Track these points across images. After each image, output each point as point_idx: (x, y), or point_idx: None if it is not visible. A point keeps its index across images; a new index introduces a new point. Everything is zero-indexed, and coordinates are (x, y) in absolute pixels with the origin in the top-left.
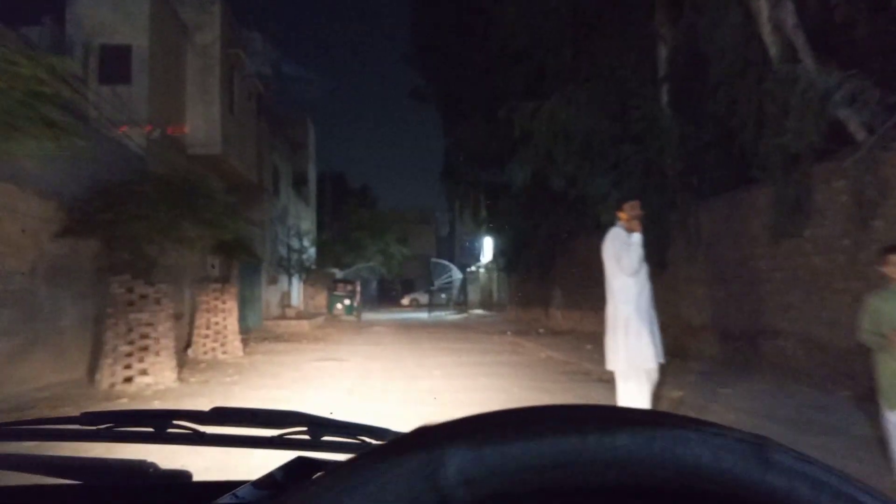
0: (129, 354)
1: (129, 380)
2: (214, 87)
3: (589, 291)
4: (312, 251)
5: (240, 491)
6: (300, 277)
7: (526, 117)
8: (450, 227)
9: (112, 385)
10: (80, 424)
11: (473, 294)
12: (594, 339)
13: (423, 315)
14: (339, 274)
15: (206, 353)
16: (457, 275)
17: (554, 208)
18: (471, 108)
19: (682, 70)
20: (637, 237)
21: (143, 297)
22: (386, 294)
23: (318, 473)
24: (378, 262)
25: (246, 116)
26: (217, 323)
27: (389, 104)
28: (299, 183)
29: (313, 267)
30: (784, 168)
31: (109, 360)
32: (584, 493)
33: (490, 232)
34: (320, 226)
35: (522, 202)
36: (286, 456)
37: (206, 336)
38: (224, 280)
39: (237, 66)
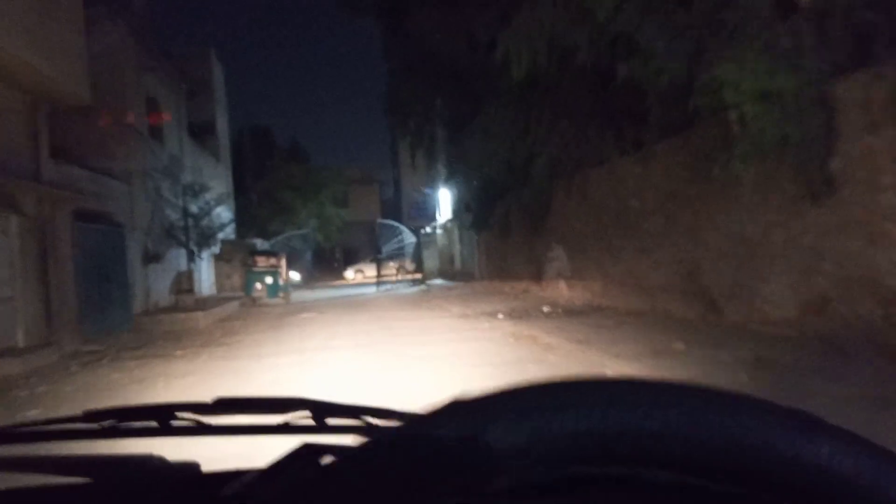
0: None
1: None
2: None
3: (619, 245)
4: (226, 217)
5: (246, 479)
6: (201, 251)
7: None
8: (395, 186)
9: None
10: (83, 422)
11: (430, 261)
12: (652, 323)
13: (370, 290)
14: (259, 244)
15: None
16: (409, 238)
17: (566, 118)
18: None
19: None
20: None
21: None
22: (326, 266)
23: (326, 456)
24: (312, 228)
25: None
26: None
27: (324, 52)
28: (204, 132)
29: (225, 237)
30: None
31: None
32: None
33: (451, 179)
34: (240, 189)
35: (510, 116)
36: (292, 441)
37: None
38: (41, 254)
39: None
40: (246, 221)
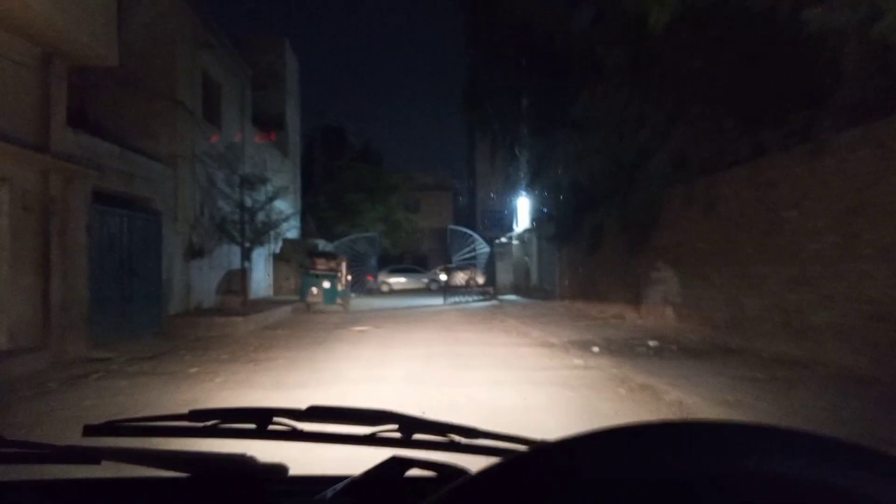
0: None
1: None
2: None
3: (761, 270)
4: (288, 212)
5: (340, 487)
6: (254, 248)
7: None
8: (469, 195)
9: None
10: (188, 421)
11: (504, 274)
12: (833, 383)
13: (436, 301)
14: (322, 246)
15: None
16: (482, 248)
17: (697, 103)
18: None
19: None
20: None
21: None
22: None
23: (413, 471)
24: (380, 233)
25: None
26: None
27: (404, 55)
28: (273, 126)
29: (288, 237)
30: None
31: None
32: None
33: (534, 183)
34: (308, 189)
35: (618, 102)
36: (377, 452)
37: None
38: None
39: None
40: (311, 223)
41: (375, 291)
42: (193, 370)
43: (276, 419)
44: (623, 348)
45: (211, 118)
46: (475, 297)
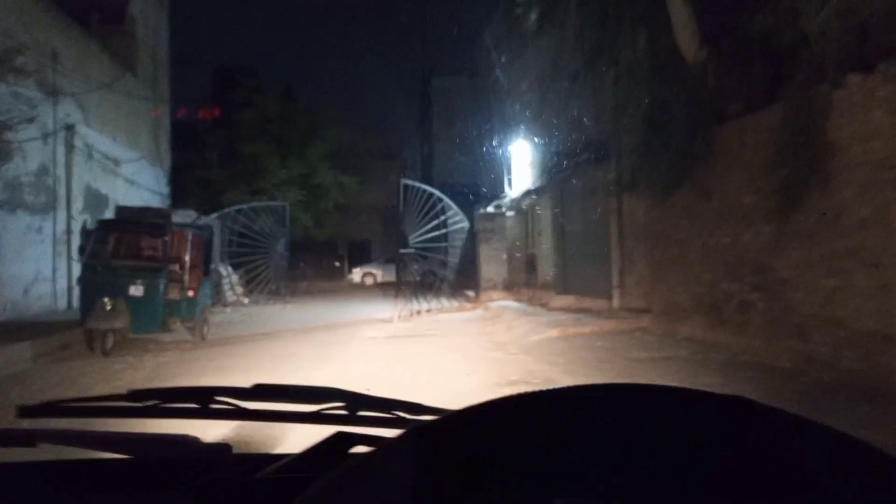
0: None
1: None
2: None
3: None
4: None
5: (283, 463)
6: (24, 217)
7: None
8: (423, 166)
9: None
10: (128, 401)
11: (492, 265)
12: None
13: (384, 311)
14: (189, 219)
15: None
16: (456, 221)
17: None
18: None
19: None
20: None
21: None
22: (321, 266)
23: (357, 448)
24: (295, 201)
25: None
26: None
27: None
28: (108, 15)
29: (145, 205)
30: None
31: None
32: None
33: (592, 67)
34: (192, 141)
35: None
36: (323, 430)
37: None
38: None
39: None
40: (191, 189)
41: (283, 295)
42: None
43: (218, 398)
44: None
45: None
46: (441, 303)
